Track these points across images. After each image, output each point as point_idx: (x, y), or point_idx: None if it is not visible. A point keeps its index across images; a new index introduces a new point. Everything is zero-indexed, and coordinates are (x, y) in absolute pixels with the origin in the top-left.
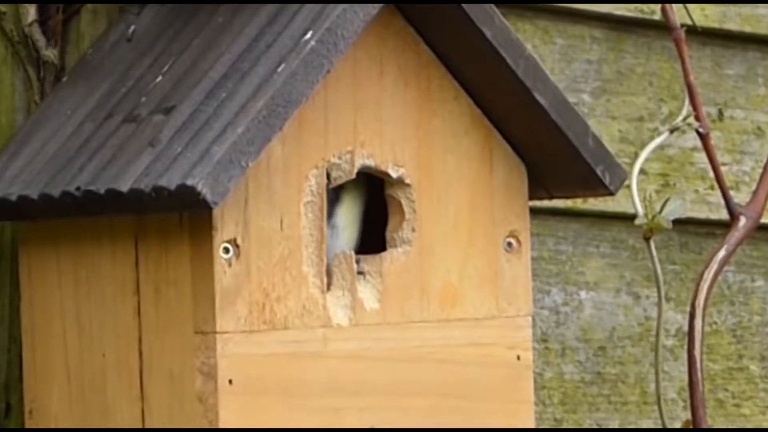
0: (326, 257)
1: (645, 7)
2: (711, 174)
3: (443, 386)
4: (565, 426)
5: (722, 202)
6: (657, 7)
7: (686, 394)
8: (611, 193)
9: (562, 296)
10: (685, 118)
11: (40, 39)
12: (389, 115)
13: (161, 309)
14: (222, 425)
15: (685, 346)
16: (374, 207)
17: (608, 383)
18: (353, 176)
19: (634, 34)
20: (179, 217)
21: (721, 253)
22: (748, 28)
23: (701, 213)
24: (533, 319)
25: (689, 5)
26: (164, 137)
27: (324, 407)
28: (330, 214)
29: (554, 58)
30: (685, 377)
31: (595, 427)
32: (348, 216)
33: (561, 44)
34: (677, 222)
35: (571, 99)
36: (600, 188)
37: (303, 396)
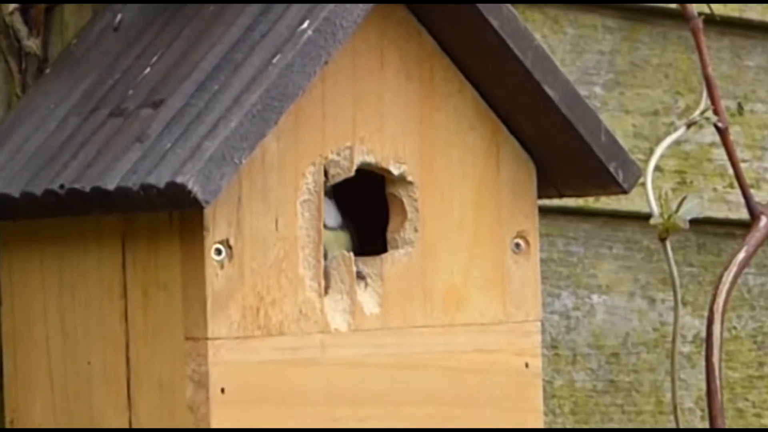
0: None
1: None
2: (730, 171)
3: (447, 395)
4: None
5: (742, 200)
6: None
7: (704, 404)
8: (625, 192)
9: (572, 300)
10: (702, 112)
11: (21, 28)
12: (390, 110)
13: (150, 314)
14: None
15: (703, 353)
16: (375, 206)
17: (622, 392)
18: (352, 173)
19: (649, 23)
20: (169, 217)
21: (741, 255)
22: None
23: (720, 212)
24: (542, 325)
25: None
26: (153, 132)
27: (321, 417)
28: None
29: (565, 49)
30: (703, 386)
31: None
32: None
33: (572, 34)
34: (694, 222)
35: (583, 92)
36: (613, 186)
37: (299, 405)
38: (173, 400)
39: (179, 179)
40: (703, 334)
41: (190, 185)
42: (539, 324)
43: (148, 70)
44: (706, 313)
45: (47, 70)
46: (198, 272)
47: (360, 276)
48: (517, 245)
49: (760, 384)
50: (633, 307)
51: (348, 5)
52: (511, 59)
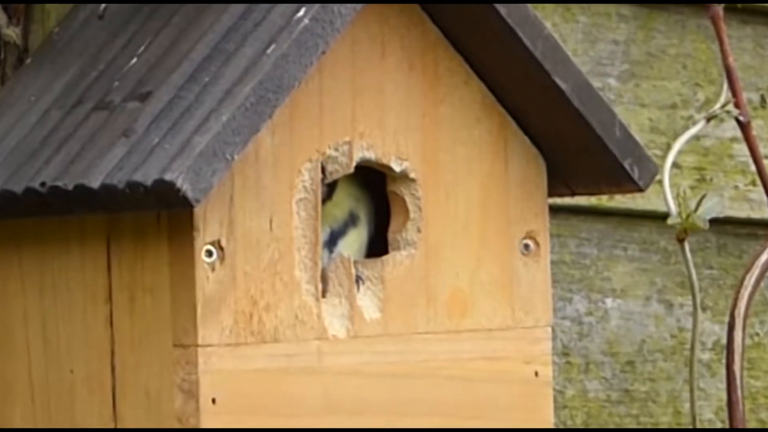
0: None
1: None
2: (752, 167)
3: (452, 405)
4: None
5: (765, 199)
6: None
7: (724, 415)
8: (640, 190)
9: (585, 305)
10: (723, 105)
11: (1, 17)
12: (391, 102)
13: (136, 319)
14: None
15: (724, 361)
16: (375, 205)
17: (637, 402)
18: (351, 170)
19: (666, 11)
20: (156, 216)
21: (764, 257)
22: None
23: (741, 211)
24: (553, 331)
25: None
26: (140, 126)
27: (319, 428)
28: (333, 242)
29: (577, 38)
30: (724, 395)
31: None
32: (352, 247)
33: (584, 22)
34: (714, 221)
35: (596, 83)
36: (628, 184)
37: (295, 416)
38: (161, 410)
39: (167, 176)
40: (724, 341)
41: (179, 183)
42: (550, 330)
43: (134, 60)
44: (726, 319)
45: (28, 61)
46: (187, 275)
47: (359, 279)
48: (527, 246)
49: None
50: (649, 312)
51: None
52: (520, 49)
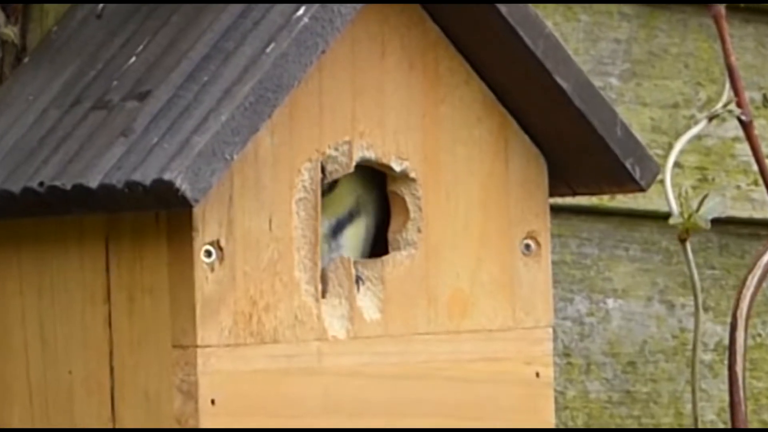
0: (321, 263)
1: None
2: (754, 167)
3: (452, 406)
4: None
5: (767, 198)
6: None
7: (727, 416)
8: (642, 189)
9: (586, 305)
10: (725, 105)
11: None
12: (392, 102)
13: (135, 319)
14: None
15: (726, 362)
16: (378, 203)
17: (639, 403)
18: (351, 170)
19: (668, 9)
20: (155, 216)
21: (766, 257)
22: None
23: (744, 211)
24: (554, 331)
25: None
26: (138, 126)
27: (318, 429)
28: (338, 231)
29: (578, 37)
30: (726, 396)
31: None
32: (355, 238)
33: (586, 21)
34: (716, 221)
35: (597, 83)
36: (629, 183)
37: (295, 417)
38: (160, 411)
39: (166, 176)
40: (726, 342)
41: (178, 183)
42: (551, 330)
43: (133, 59)
44: (728, 319)
45: (25, 60)
46: (186, 275)
47: (359, 279)
48: (528, 246)
49: None
50: (651, 312)
51: None
52: (521, 48)
